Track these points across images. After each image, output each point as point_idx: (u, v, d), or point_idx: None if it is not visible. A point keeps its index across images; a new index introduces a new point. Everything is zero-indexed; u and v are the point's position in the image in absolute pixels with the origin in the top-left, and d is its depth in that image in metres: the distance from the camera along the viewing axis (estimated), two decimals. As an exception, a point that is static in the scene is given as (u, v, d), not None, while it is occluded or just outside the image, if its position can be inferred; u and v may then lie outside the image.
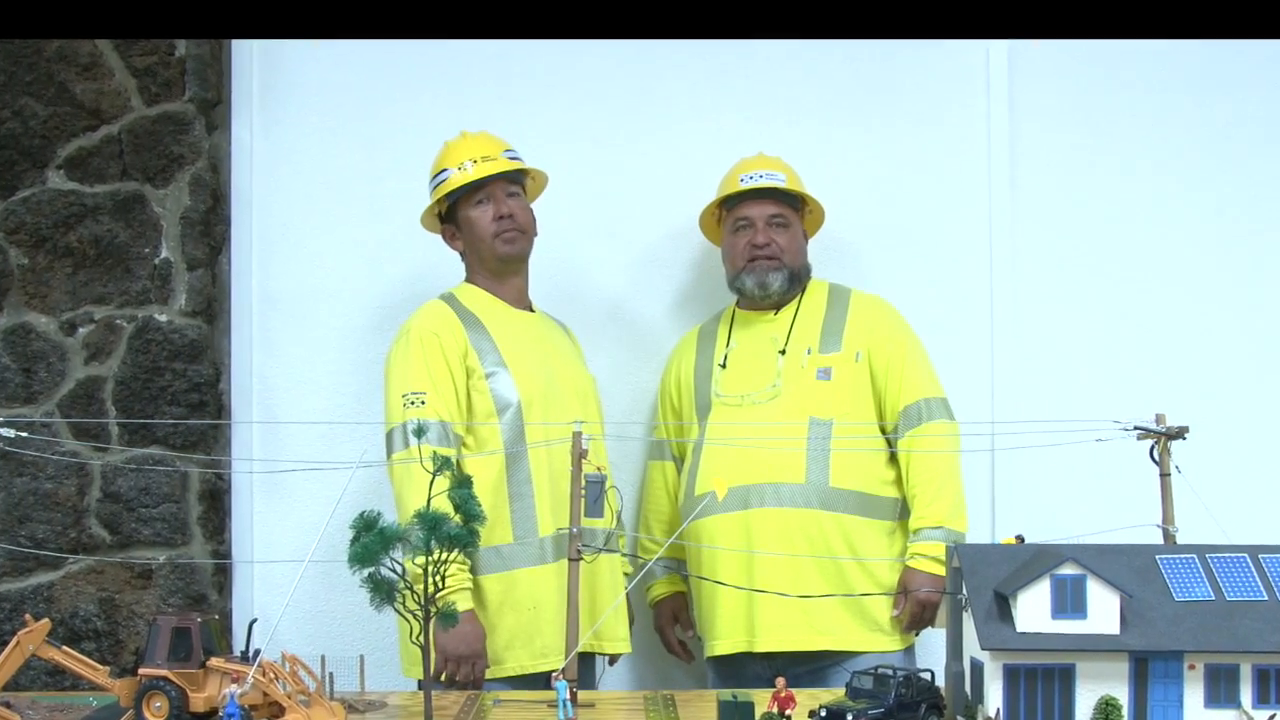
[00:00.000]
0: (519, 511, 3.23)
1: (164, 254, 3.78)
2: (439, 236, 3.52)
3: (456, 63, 3.94)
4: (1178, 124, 3.97)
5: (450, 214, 3.45)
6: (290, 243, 3.92)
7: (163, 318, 3.77)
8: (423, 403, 3.18)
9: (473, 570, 3.18)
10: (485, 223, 3.38)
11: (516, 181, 3.45)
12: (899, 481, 3.40)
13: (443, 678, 3.07)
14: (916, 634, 3.38)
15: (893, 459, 3.41)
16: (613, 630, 3.34)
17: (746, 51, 3.95)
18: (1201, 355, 3.92)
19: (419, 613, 2.32)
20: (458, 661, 3.08)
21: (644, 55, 3.95)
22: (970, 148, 3.96)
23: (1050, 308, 3.94)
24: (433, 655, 3.03)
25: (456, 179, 3.38)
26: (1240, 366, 3.93)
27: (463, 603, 3.05)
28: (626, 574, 3.53)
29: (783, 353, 3.45)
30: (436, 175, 3.45)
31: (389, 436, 3.24)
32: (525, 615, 3.20)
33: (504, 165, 3.40)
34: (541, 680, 3.10)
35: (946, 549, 2.45)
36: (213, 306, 3.83)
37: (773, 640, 3.28)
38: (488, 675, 3.16)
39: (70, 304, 3.77)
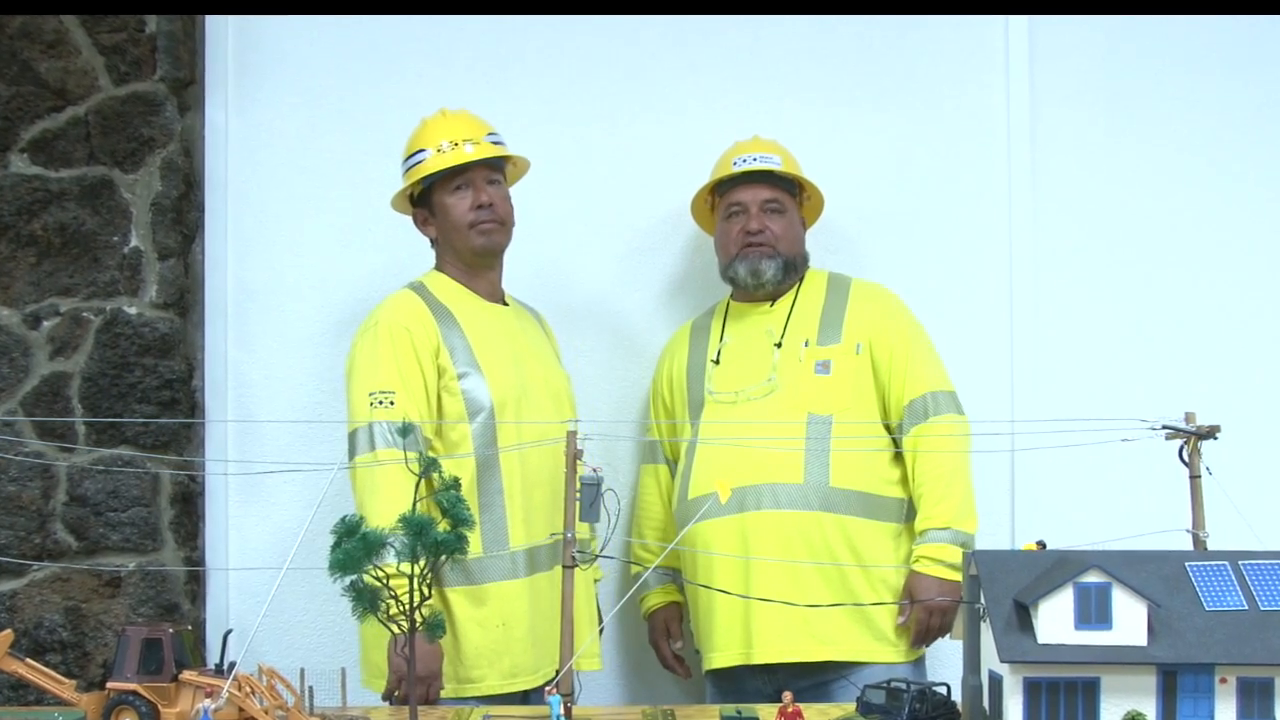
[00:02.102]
0: (489, 522, 3.19)
1: (133, 243, 3.78)
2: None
3: (441, 40, 3.93)
4: (1208, 103, 3.96)
5: (424, 198, 3.42)
6: (268, 231, 3.91)
7: (132, 310, 3.76)
8: (391, 403, 3.14)
9: (436, 583, 3.14)
10: (461, 211, 3.35)
11: (498, 168, 3.42)
12: (904, 481, 3.39)
13: (395, 695, 3.05)
14: (927, 645, 3.37)
15: (898, 457, 3.40)
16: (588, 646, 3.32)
17: (746, 27, 3.95)
18: (1234, 350, 3.92)
19: (403, 623, 2.31)
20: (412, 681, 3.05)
21: (637, 32, 3.95)
22: (988, 130, 3.95)
23: (1073, 299, 3.94)
24: (388, 671, 3.04)
25: (433, 162, 3.34)
26: (1275, 362, 3.93)
27: None
28: (597, 580, 3.52)
29: (778, 346, 3.44)
30: (411, 155, 3.40)
31: (352, 437, 3.19)
32: (493, 633, 3.17)
33: (486, 150, 3.36)
34: (506, 703, 3.10)
35: (963, 555, 2.45)
36: (185, 298, 3.82)
37: (772, 652, 3.27)
38: (450, 695, 3.13)
39: (34, 296, 3.76)
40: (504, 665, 3.18)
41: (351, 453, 3.19)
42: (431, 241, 3.47)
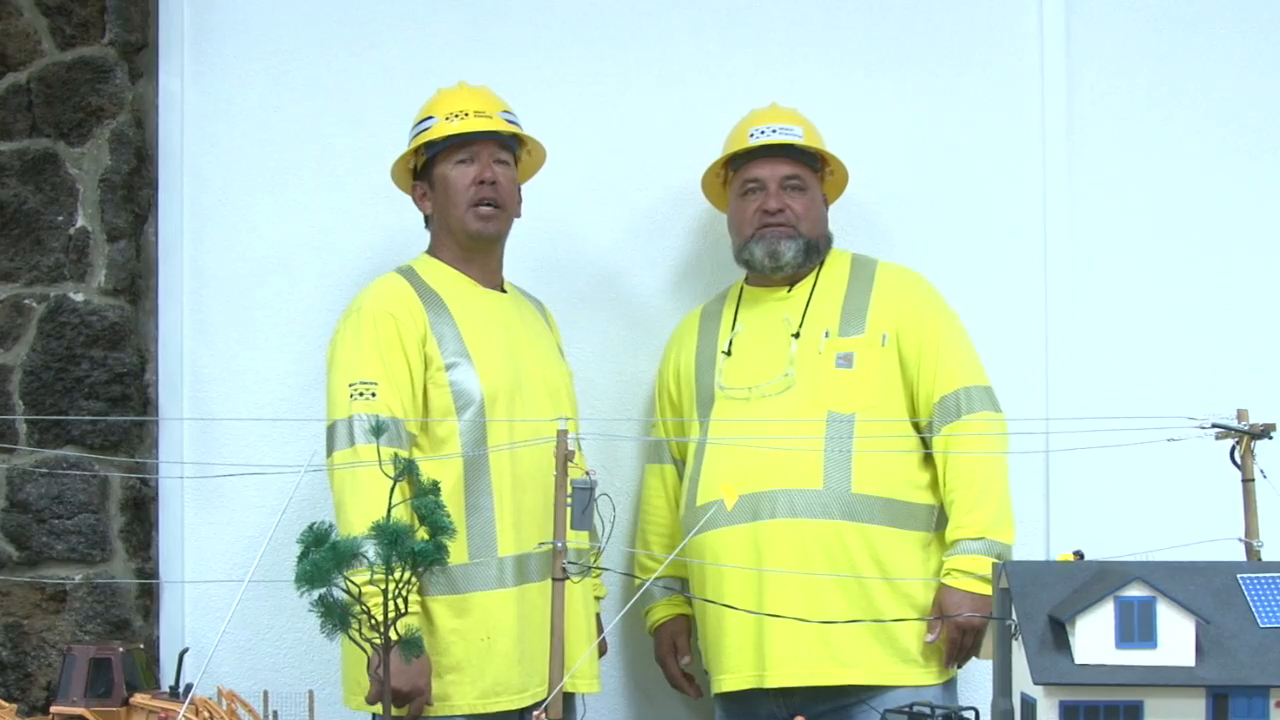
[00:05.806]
0: (476, 527, 3.21)
1: (80, 223, 3.78)
2: (406, 200, 3.50)
3: (420, 1, 3.93)
4: (1261, 70, 3.96)
5: (425, 170, 3.44)
6: (227, 210, 3.90)
7: (79, 297, 3.76)
8: (373, 395, 3.16)
9: (419, 592, 3.14)
10: (462, 185, 3.35)
11: (509, 149, 3.44)
12: (934, 485, 3.39)
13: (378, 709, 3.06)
14: (958, 666, 3.37)
15: (927, 459, 3.40)
16: (584, 666, 3.32)
17: (760, -15, 3.96)
18: (1290, 341, 3.92)
19: (377, 640, 2.31)
20: (397, 699, 3.05)
21: (641, -11, 3.96)
22: (1021, 99, 3.95)
23: (1114, 285, 3.94)
24: (368, 685, 3.05)
25: (440, 129, 3.36)
26: (1335, 354, 3.93)
27: None
28: (599, 597, 3.52)
29: (796, 336, 3.44)
30: (420, 122, 3.43)
31: (330, 431, 3.21)
32: (475, 647, 3.18)
33: (497, 125, 3.38)
34: None
35: (993, 565, 2.45)
36: (137, 284, 3.82)
37: (786, 674, 3.26)
38: (426, 712, 3.14)
39: (-30, 281, 3.77)
40: (485, 683, 3.18)
41: (330, 448, 3.20)
42: (426, 221, 3.48)
